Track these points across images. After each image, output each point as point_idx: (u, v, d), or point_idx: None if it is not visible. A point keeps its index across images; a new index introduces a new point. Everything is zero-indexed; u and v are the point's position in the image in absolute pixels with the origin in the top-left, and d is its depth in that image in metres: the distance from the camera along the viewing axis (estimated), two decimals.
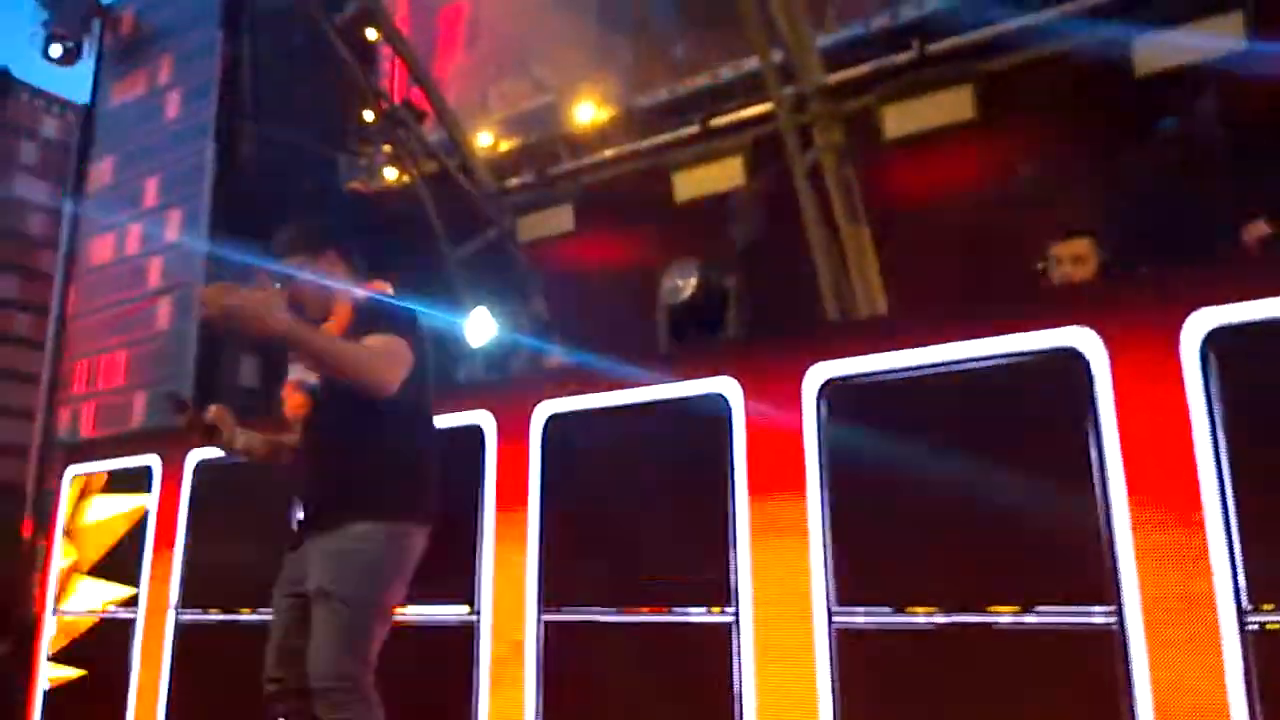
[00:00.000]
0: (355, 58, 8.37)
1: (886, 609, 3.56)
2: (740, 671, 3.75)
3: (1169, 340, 3.20)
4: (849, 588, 3.63)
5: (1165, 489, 3.16)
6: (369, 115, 9.85)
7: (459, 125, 8.44)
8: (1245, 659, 3.00)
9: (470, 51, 10.64)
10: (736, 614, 3.77)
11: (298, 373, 2.95)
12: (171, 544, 5.25)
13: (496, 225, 8.18)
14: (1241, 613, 3.02)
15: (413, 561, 2.96)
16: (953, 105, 6.38)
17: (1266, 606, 2.98)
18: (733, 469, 3.90)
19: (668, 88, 8.50)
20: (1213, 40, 4.99)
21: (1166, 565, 3.16)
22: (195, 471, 5.27)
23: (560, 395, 4.35)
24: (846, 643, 3.64)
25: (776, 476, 3.83)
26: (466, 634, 4.30)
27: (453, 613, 4.38)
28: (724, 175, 7.41)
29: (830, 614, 3.61)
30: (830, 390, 3.86)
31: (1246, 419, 3.10)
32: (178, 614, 5.13)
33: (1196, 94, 5.95)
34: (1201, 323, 3.18)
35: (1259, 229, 4.24)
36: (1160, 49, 5.09)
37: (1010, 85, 6.29)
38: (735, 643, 3.78)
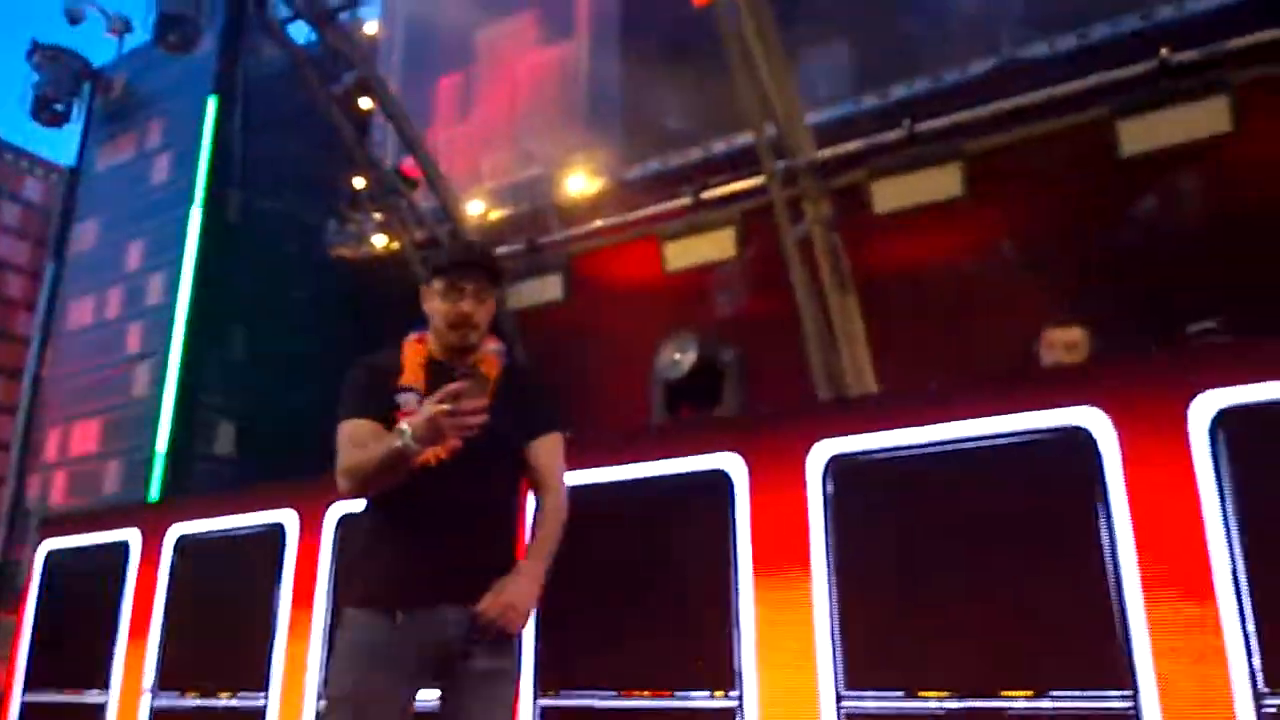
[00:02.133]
0: (351, 126, 8.43)
1: (898, 693, 3.47)
2: None
3: (1177, 420, 3.20)
4: (858, 670, 3.54)
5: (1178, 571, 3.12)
6: (360, 182, 9.90)
7: (451, 193, 8.48)
8: None
9: (464, 122, 10.76)
10: (740, 698, 3.67)
11: (412, 403, 2.58)
12: (147, 622, 5.06)
13: None
14: (1258, 695, 2.97)
15: None
16: (941, 182, 6.48)
17: None
18: (735, 547, 3.83)
19: (659, 159, 8.62)
20: (1198, 122, 5.12)
21: (1181, 650, 3.11)
22: (176, 547, 5.12)
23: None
24: None
25: (782, 555, 3.76)
26: None
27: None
28: (715, 246, 7.46)
29: (839, 698, 3.52)
30: (836, 467, 3.82)
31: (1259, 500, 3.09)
32: (153, 697, 4.93)
33: (1178, 176, 6.11)
34: (1210, 404, 3.19)
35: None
36: (1146, 130, 5.20)
37: (998, 162, 6.40)
38: None
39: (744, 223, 7.39)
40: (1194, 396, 3.22)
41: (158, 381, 13.72)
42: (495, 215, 9.20)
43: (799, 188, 6.94)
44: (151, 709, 4.95)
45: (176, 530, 5.12)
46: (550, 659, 4.00)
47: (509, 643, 2.55)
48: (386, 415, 2.52)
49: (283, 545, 4.80)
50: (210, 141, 13.95)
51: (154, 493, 12.63)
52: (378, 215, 9.11)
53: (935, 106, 6.77)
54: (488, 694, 2.51)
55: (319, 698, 2.69)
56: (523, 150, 9.71)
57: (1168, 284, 5.66)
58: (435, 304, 2.63)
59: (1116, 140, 5.34)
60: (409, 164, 9.11)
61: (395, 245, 8.81)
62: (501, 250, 8.45)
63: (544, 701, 4.00)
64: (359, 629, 2.52)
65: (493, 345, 2.74)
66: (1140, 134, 5.35)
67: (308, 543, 4.71)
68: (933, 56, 7.23)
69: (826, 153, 6.93)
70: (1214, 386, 3.20)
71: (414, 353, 2.66)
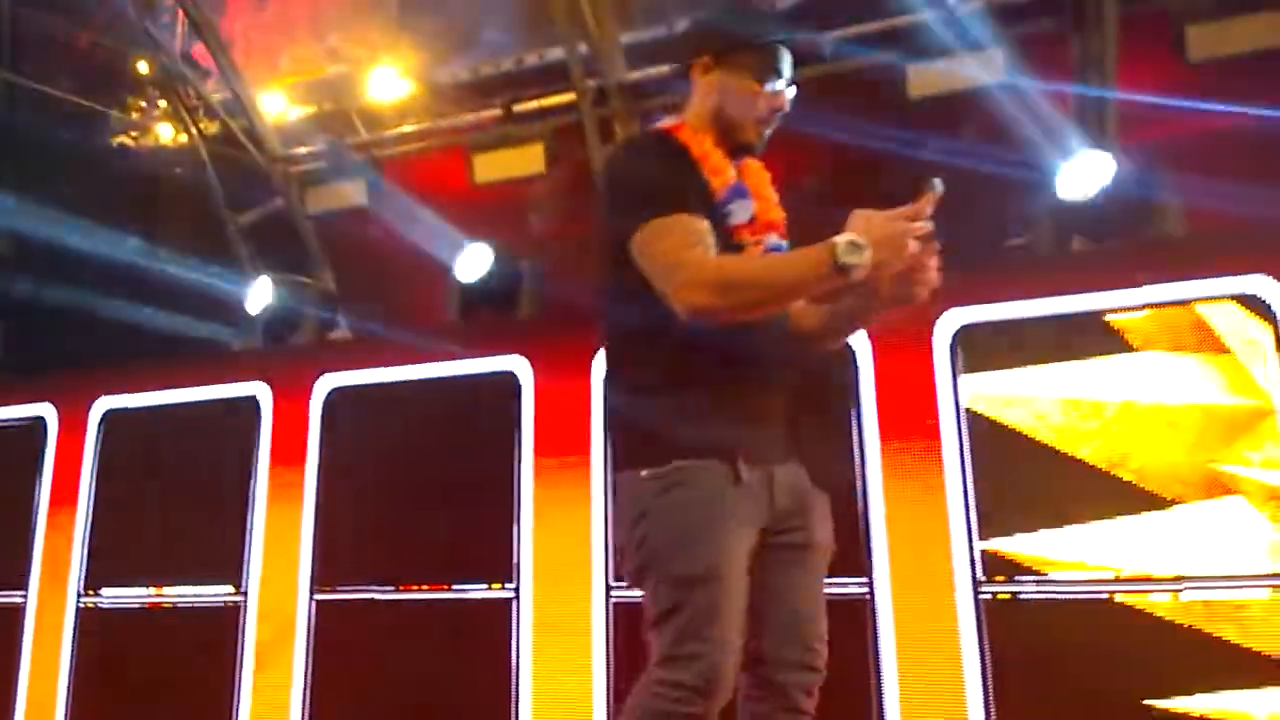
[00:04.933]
0: (136, 5, 7.71)
1: None
2: (520, 646, 3.78)
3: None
4: None
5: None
6: (144, 67, 9.08)
7: (246, 87, 7.95)
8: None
9: (263, 10, 10.06)
10: (517, 589, 3.81)
11: (747, 213, 2.05)
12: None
13: (283, 194, 7.78)
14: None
15: None
16: None
17: None
18: (520, 446, 3.93)
19: (470, 68, 8.41)
20: (978, 72, 5.54)
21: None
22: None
23: (344, 369, 4.22)
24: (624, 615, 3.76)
25: (564, 453, 3.89)
26: (232, 616, 4.08)
27: (218, 593, 4.14)
28: (525, 161, 7.39)
29: (609, 588, 3.72)
30: None
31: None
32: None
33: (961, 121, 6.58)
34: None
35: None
36: (932, 76, 5.59)
37: (798, 100, 6.65)
38: (515, 618, 3.81)
39: (554, 139, 7.35)
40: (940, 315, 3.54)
41: None
42: (296, 113, 8.72)
43: (610, 108, 6.97)
44: None
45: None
46: (326, 554, 4.00)
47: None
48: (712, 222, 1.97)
49: (44, 441, 4.51)
50: None
51: None
52: (163, 104, 8.43)
53: None
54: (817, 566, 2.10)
55: (648, 574, 1.90)
56: (327, 45, 9.22)
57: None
58: (743, 83, 2.10)
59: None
60: (200, 51, 8.46)
61: (183, 138, 8.19)
62: (301, 151, 8.05)
63: (320, 596, 4.01)
64: (699, 483, 1.93)
65: None
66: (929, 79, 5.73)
67: (68, 438, 4.45)
68: None
69: (638, 74, 6.98)
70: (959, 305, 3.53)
71: (705, 146, 2.09)
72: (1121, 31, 5.35)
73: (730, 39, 2.14)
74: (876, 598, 3.41)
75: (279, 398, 4.36)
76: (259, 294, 5.73)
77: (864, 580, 3.41)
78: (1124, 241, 4.25)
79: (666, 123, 2.14)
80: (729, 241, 1.96)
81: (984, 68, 5.67)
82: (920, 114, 5.84)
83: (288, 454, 4.28)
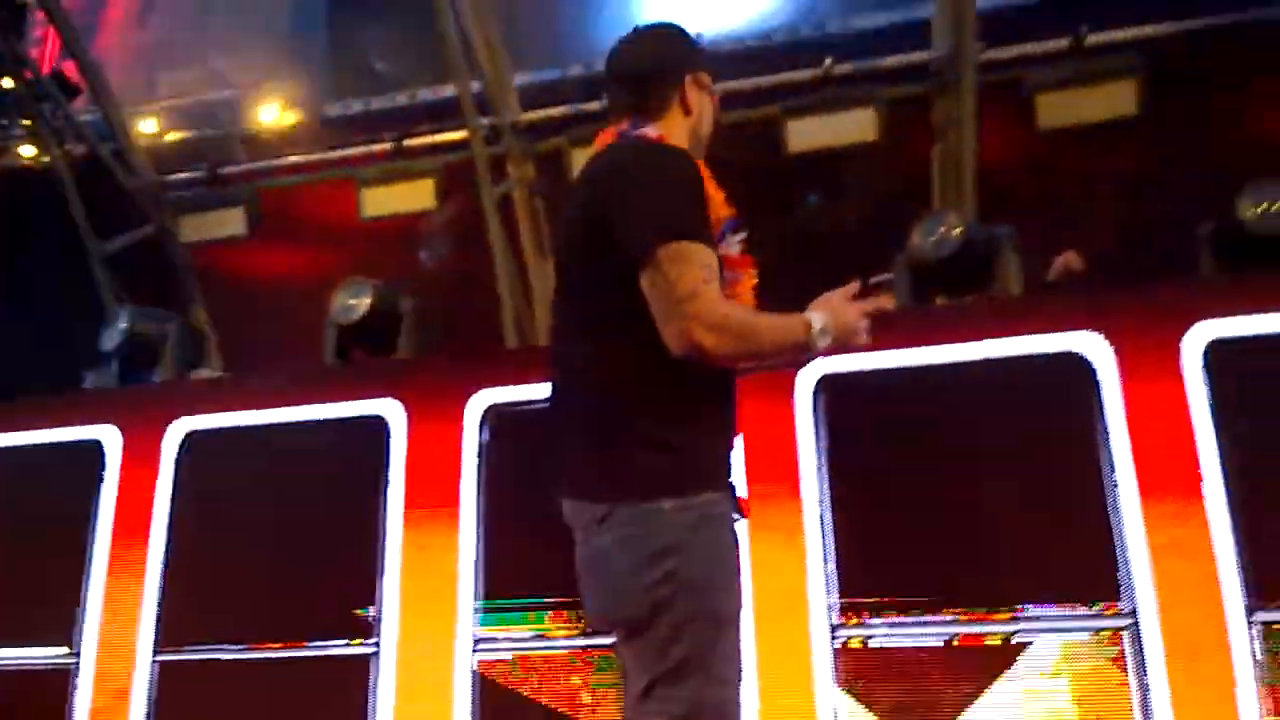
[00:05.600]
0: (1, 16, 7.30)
1: (527, 635, 3.57)
2: (377, 706, 3.59)
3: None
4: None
5: None
6: (8, 82, 8.60)
7: (118, 109, 7.59)
8: None
9: (142, 30, 9.67)
10: (378, 645, 3.63)
11: (736, 246, 2.01)
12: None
13: (153, 222, 7.42)
14: None
15: None
16: None
17: None
18: (387, 494, 3.76)
19: (362, 101, 8.25)
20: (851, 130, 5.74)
21: None
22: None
23: (203, 411, 3.99)
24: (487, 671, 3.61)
25: (433, 503, 3.74)
26: (62, 680, 3.75)
27: (48, 655, 3.80)
28: (415, 196, 7.26)
29: (474, 641, 3.57)
30: (493, 416, 3.85)
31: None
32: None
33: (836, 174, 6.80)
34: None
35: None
36: (808, 132, 5.75)
37: None
38: (374, 676, 3.62)
39: (445, 176, 7.26)
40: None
41: None
42: (171, 137, 8.37)
43: (502, 146, 6.93)
44: None
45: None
46: (171, 611, 3.73)
47: None
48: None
49: None
50: None
51: None
52: (26, 122, 7.97)
53: None
54: None
55: (674, 610, 1.74)
56: (210, 69, 8.89)
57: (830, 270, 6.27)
58: (706, 97, 2.13)
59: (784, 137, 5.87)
60: (73, 69, 8.05)
61: (46, 159, 7.75)
62: (178, 177, 7.73)
63: (162, 657, 3.73)
64: (724, 518, 1.91)
65: None
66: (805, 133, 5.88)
67: None
68: None
69: (531, 115, 6.96)
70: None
71: (705, 171, 2.00)
72: (979, 98, 5.66)
73: (704, 54, 2.17)
74: None
75: (129, 441, 4.08)
76: (117, 328, 5.39)
77: None
78: (973, 298, 4.44)
79: (653, 132, 2.03)
80: (723, 272, 1.92)
81: (856, 126, 5.88)
82: (797, 167, 6.01)
83: (134, 501, 4.00)
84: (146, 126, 8.38)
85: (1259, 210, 4.18)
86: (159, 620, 3.75)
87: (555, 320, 2.05)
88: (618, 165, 1.97)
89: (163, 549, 3.85)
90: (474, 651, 3.61)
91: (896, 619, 3.39)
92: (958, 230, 4.60)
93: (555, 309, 2.05)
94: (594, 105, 6.78)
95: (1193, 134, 6.37)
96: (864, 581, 3.49)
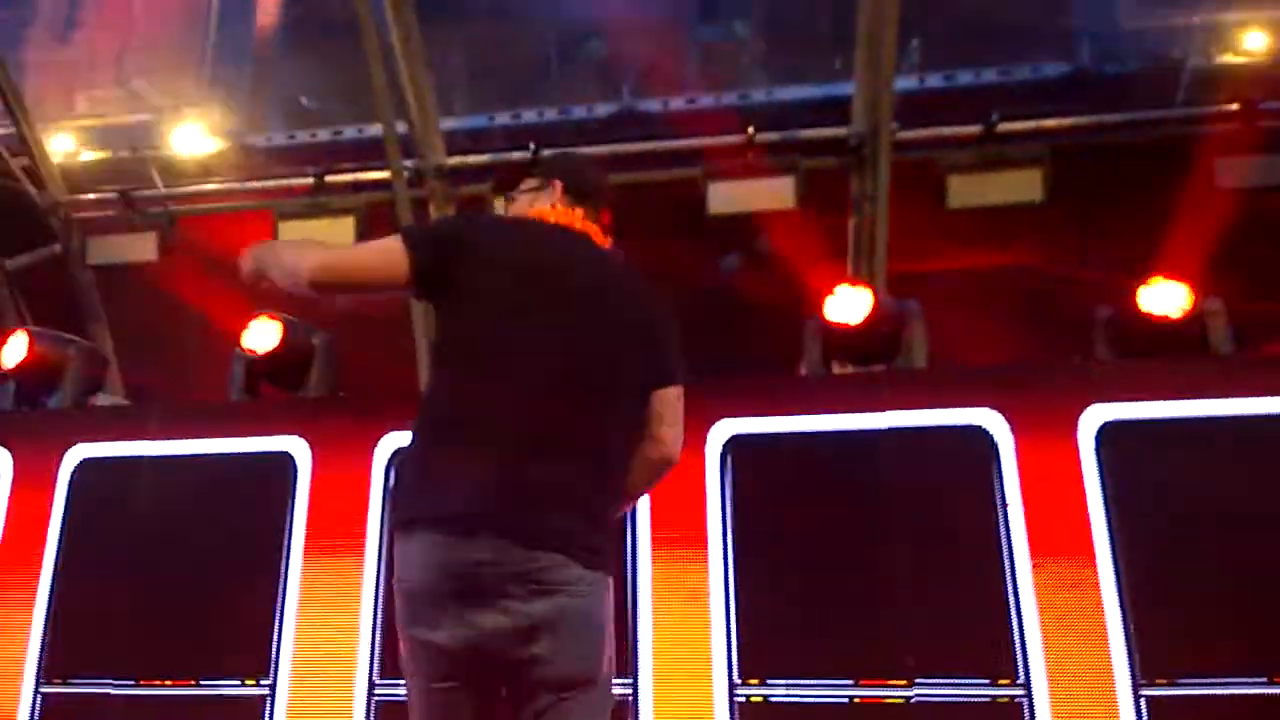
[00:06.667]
0: None
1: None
2: None
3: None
4: (392, 659, 3.61)
5: None
6: None
7: (32, 123, 7.40)
8: None
9: (64, 45, 9.45)
10: (274, 686, 3.58)
11: None
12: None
13: (60, 241, 7.22)
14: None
15: None
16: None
17: None
18: (290, 533, 3.74)
19: (285, 133, 8.20)
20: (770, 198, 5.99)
21: None
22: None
23: (102, 438, 3.91)
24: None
25: (338, 540, 3.73)
26: None
27: None
28: (333, 232, 7.22)
29: (371, 686, 3.56)
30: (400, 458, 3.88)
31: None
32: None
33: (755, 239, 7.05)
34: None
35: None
36: (729, 196, 5.98)
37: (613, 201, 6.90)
38: (269, 718, 3.57)
39: (366, 214, 7.25)
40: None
41: None
42: (87, 156, 8.19)
43: (425, 189, 6.97)
44: None
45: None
46: (59, 642, 3.62)
47: None
48: None
49: None
50: None
51: None
52: None
53: (558, 137, 7.17)
54: None
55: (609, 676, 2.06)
56: (130, 90, 8.74)
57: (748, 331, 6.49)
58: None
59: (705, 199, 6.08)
60: None
61: None
62: (90, 197, 7.54)
63: (46, 689, 3.61)
64: None
65: None
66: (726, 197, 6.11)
67: None
68: (568, 92, 7.69)
69: (455, 160, 7.04)
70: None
71: None
72: (892, 175, 5.98)
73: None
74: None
75: (21, 466, 3.97)
76: (14, 349, 5.22)
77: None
78: (882, 369, 4.66)
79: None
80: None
81: (775, 194, 6.15)
82: (716, 230, 6.23)
83: (24, 528, 3.88)
84: (61, 144, 8.18)
85: None
86: (44, 651, 3.62)
87: (569, 366, 2.12)
88: (663, 303, 2.36)
89: (51, 578, 3.74)
90: (370, 695, 3.59)
91: (796, 680, 3.49)
92: (868, 301, 4.82)
93: (564, 359, 2.13)
94: (519, 155, 6.89)
95: (1094, 224, 6.84)
96: (768, 645, 3.59)
